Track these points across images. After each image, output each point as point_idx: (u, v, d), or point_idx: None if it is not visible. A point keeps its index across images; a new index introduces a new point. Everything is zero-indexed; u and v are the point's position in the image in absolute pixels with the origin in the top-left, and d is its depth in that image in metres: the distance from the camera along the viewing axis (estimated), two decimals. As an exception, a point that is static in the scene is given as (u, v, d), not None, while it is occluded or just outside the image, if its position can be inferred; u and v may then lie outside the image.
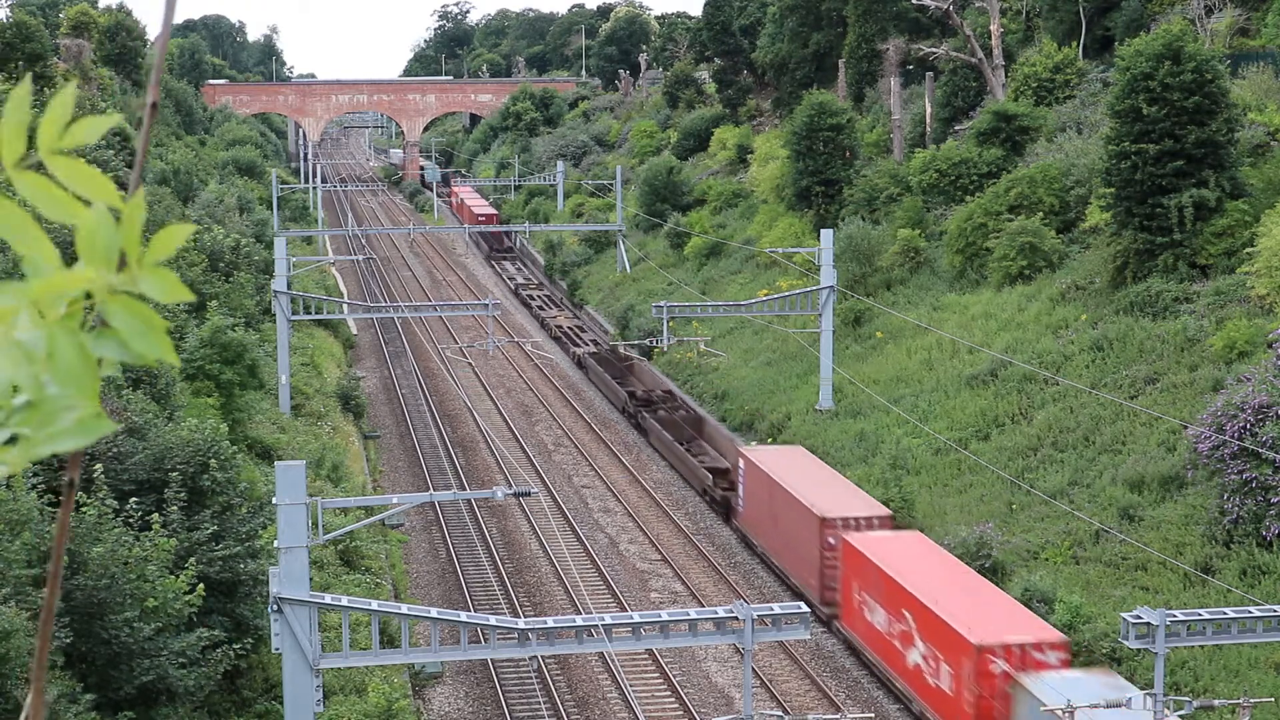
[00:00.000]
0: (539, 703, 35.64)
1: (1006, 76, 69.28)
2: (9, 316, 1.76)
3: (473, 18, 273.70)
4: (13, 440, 1.72)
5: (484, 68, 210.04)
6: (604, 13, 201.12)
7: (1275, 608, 25.80)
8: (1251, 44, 58.03)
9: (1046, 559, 37.59)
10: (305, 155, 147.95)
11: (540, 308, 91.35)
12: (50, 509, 25.46)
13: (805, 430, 52.53)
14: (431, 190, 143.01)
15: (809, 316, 56.44)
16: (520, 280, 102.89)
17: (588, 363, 72.54)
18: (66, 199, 1.82)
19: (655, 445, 58.56)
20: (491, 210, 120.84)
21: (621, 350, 72.10)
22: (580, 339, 79.58)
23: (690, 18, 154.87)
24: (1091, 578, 36.00)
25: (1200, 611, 25.67)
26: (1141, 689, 25.89)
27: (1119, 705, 24.84)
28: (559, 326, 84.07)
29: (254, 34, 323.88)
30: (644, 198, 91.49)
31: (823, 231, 55.79)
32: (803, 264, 64.26)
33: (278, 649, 25.69)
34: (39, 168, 1.86)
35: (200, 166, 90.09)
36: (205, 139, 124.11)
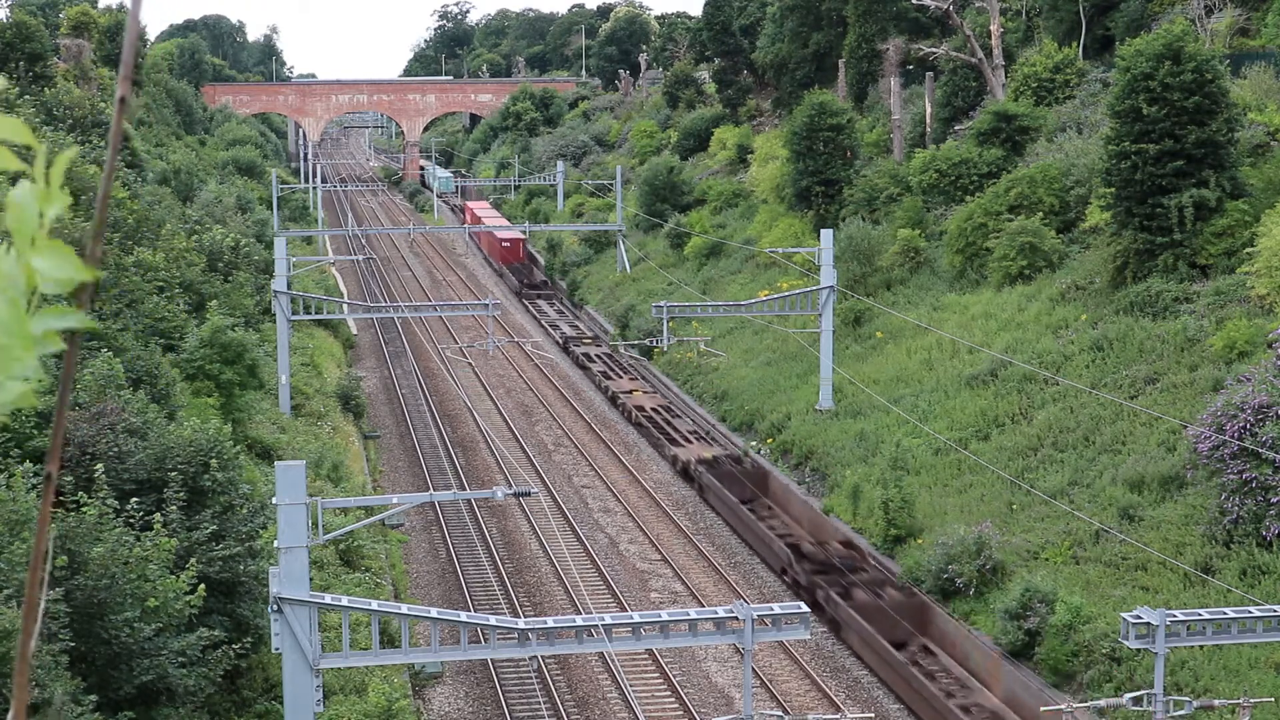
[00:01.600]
0: (539, 703, 35.63)
1: (1006, 76, 69.26)
2: None
3: (473, 18, 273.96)
4: None
5: (484, 68, 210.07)
6: (604, 13, 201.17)
7: (1275, 608, 25.77)
8: (1251, 44, 58.00)
9: (1046, 559, 37.58)
10: (305, 155, 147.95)
11: (605, 374, 69.02)
12: (50, 509, 25.42)
13: (805, 430, 52.51)
14: (433, 193, 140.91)
15: (809, 316, 56.43)
16: (567, 329, 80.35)
17: (703, 478, 50.50)
18: None
19: (858, 651, 37.82)
20: (518, 234, 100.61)
21: (746, 457, 51.45)
22: (675, 430, 56.96)
23: (690, 18, 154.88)
24: (1091, 578, 35.98)
25: (1200, 611, 25.64)
26: (1141, 688, 25.87)
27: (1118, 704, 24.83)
28: (640, 408, 61.21)
29: (254, 34, 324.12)
30: (644, 198, 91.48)
31: (823, 231, 55.77)
32: (803, 264, 64.25)
33: (278, 649, 25.67)
34: None
35: (200, 166, 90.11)
36: (205, 139, 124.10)
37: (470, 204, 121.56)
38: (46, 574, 2.08)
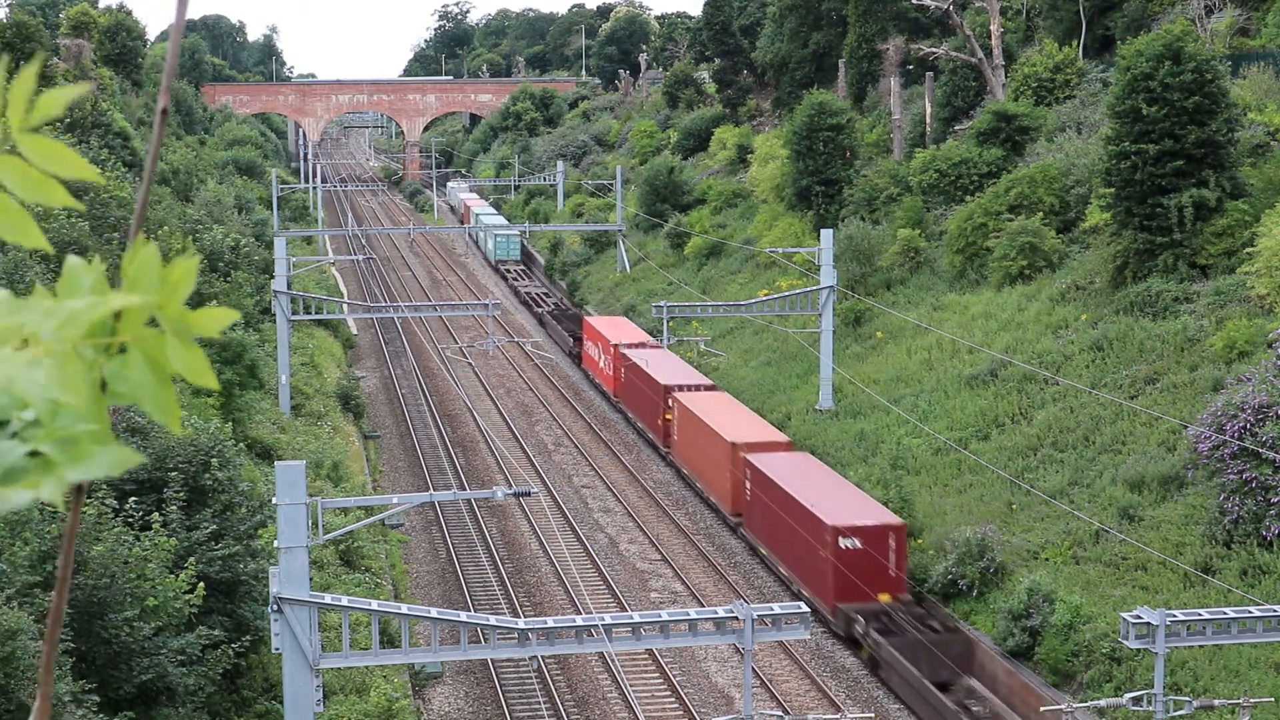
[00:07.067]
0: (539, 703, 35.64)
1: (1006, 76, 69.27)
2: (20, 335, 1.73)
3: (473, 18, 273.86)
4: (33, 455, 1.69)
5: (484, 68, 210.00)
6: (604, 13, 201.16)
7: (1275, 608, 25.79)
8: (1251, 44, 58.00)
9: (1047, 559, 37.58)
10: (305, 155, 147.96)
11: None
12: (50, 509, 25.46)
13: (805, 430, 52.50)
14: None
15: (809, 316, 56.43)
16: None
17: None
18: (42, 179, 1.80)
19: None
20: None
21: None
22: None
23: (690, 18, 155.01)
24: (1091, 578, 35.99)
25: (1200, 611, 25.66)
26: (1142, 688, 25.90)
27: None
28: None
29: (254, 34, 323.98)
30: (644, 198, 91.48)
31: (823, 231, 55.79)
32: (803, 264, 64.25)
33: (278, 649, 25.68)
34: (11, 149, 1.83)
35: (200, 166, 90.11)
36: (205, 139, 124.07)
37: (601, 331, 65.70)
38: (59, 579, 2.06)
